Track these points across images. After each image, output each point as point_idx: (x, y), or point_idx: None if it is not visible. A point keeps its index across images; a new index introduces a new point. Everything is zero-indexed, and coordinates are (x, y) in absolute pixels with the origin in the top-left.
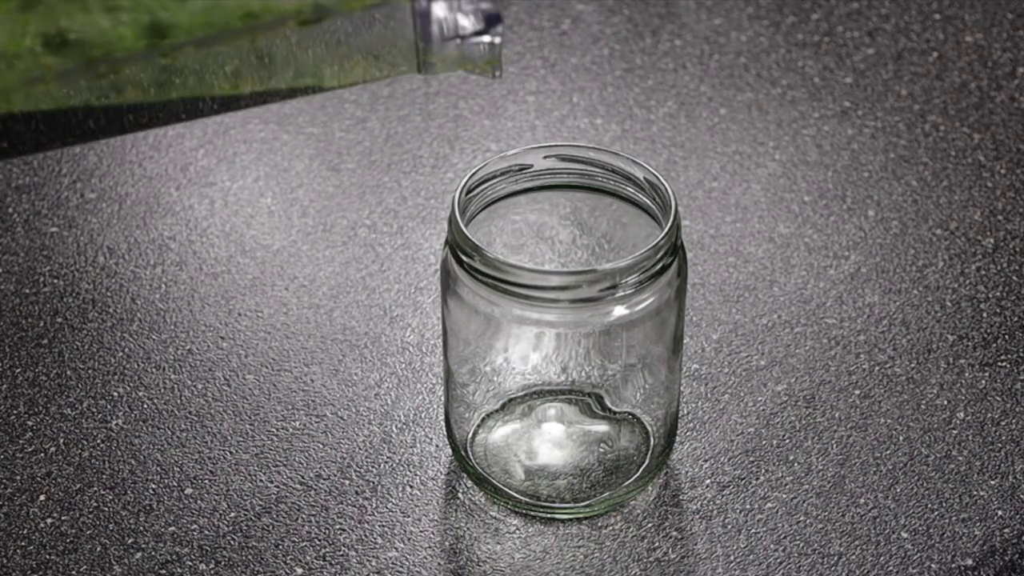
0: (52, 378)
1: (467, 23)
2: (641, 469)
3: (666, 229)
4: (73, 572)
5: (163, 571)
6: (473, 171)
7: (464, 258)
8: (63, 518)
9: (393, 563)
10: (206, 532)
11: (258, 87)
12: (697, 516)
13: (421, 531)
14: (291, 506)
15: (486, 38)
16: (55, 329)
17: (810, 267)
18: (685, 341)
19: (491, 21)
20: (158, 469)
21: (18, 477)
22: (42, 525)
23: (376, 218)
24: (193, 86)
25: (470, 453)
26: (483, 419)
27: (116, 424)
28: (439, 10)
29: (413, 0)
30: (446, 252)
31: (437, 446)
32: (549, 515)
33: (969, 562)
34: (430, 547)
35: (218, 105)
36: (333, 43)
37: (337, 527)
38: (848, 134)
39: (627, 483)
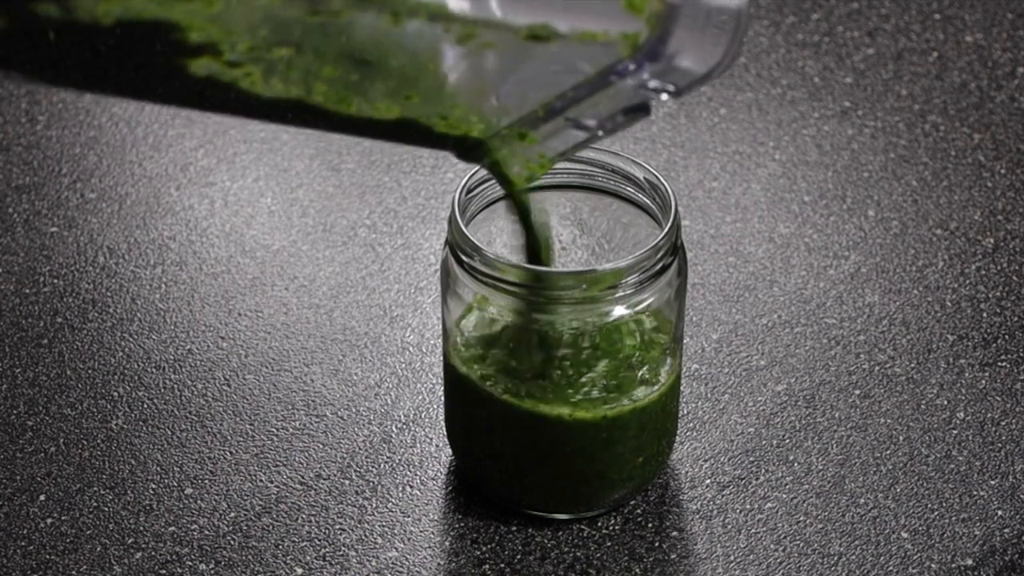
0: (52, 378)
1: (619, 107)
2: None
3: (666, 229)
4: (73, 572)
5: (163, 571)
6: (473, 171)
7: (464, 258)
8: (63, 518)
9: (393, 563)
10: (206, 532)
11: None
12: (697, 516)
13: (421, 531)
14: (291, 506)
15: (598, 129)
16: (55, 329)
17: (810, 267)
18: (685, 341)
19: (639, 112)
20: (158, 469)
21: (18, 477)
22: (42, 525)
23: (376, 218)
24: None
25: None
26: None
27: (116, 424)
28: (651, 82)
29: (630, 59)
30: (446, 252)
31: (437, 446)
32: (549, 515)
33: (969, 562)
34: (430, 547)
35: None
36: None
37: (337, 527)
38: (848, 134)
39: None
